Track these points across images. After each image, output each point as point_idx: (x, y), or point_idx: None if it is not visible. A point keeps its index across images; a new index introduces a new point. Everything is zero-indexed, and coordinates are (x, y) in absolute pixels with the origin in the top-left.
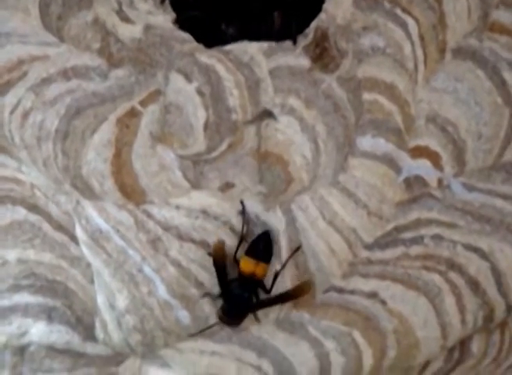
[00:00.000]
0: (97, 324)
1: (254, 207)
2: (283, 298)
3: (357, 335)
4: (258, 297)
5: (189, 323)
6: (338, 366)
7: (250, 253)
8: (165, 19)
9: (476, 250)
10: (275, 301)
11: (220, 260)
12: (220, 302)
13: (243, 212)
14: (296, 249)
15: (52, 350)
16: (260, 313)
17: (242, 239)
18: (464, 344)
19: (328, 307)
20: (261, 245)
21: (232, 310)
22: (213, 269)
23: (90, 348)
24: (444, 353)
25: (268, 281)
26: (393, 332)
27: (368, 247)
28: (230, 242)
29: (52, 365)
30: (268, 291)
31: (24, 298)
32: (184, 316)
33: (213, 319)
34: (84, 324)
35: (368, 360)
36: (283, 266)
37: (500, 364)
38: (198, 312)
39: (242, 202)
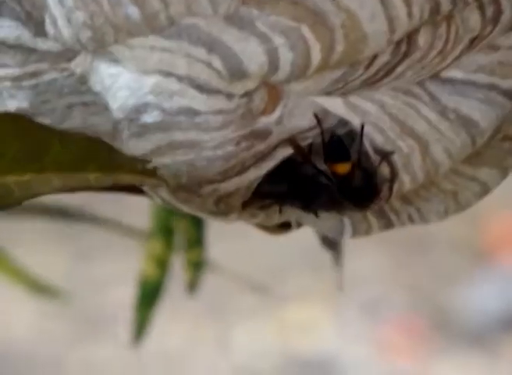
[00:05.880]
0: (47, 20)
1: None
2: None
3: (306, 30)
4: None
5: (138, 19)
6: (287, 61)
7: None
8: None
9: None
10: None
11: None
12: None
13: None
14: None
15: (4, 45)
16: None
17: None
18: (410, 37)
19: (277, 2)
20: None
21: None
22: None
23: (41, 44)
24: (391, 47)
25: None
26: (341, 27)
27: None
28: None
29: (4, 60)
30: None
31: None
32: (134, 11)
33: (163, 14)
34: (34, 20)
35: (316, 55)
36: None
37: (446, 56)
38: (148, 9)
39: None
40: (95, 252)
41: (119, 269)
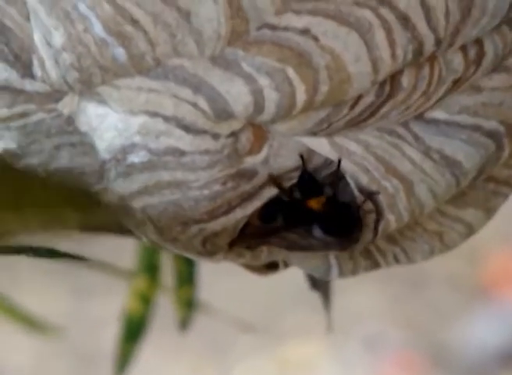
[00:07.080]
0: (35, 62)
1: None
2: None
3: (291, 71)
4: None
5: (125, 60)
6: (272, 101)
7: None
8: None
9: None
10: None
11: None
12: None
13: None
14: None
15: None
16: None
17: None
18: (394, 78)
19: (262, 44)
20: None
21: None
22: (147, 5)
23: (28, 85)
24: (375, 88)
25: None
26: (326, 68)
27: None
28: None
29: None
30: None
31: None
32: (120, 53)
33: (149, 56)
34: (22, 62)
35: (301, 96)
36: None
37: (430, 97)
38: (135, 50)
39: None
40: (93, 290)
41: (116, 307)
